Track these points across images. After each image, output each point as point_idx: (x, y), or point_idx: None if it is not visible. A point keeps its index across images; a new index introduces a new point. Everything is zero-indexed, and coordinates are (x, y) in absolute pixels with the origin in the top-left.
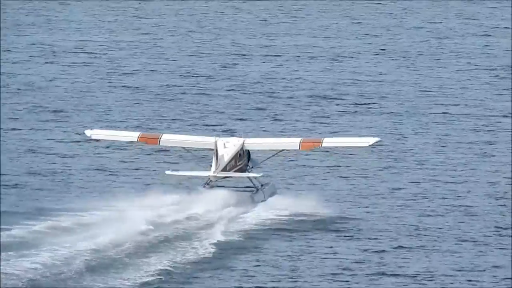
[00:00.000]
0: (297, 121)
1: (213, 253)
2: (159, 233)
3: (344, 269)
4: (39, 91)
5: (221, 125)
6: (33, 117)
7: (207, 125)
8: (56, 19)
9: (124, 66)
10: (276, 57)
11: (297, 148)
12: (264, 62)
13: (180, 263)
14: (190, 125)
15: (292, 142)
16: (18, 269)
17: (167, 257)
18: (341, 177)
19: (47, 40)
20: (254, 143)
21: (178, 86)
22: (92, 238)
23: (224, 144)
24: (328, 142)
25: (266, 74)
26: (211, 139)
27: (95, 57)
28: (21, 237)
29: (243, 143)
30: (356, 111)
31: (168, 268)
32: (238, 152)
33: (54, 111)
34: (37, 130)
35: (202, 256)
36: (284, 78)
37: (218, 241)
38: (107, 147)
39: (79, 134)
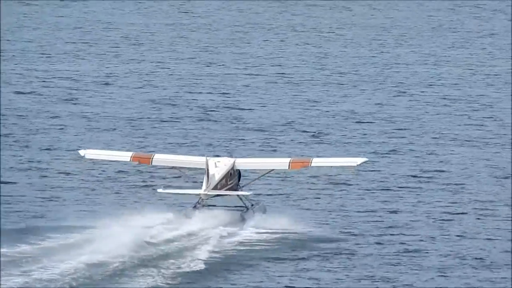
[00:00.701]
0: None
1: (202, 271)
2: (149, 251)
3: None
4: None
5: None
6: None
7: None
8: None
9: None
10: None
11: (287, 168)
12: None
13: (169, 279)
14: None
15: (281, 162)
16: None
17: (156, 273)
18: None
19: None
20: (244, 163)
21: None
22: (79, 255)
23: (215, 163)
24: (317, 162)
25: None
26: (202, 159)
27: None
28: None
29: (234, 162)
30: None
31: (159, 284)
32: (229, 171)
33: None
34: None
35: (190, 273)
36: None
37: (206, 258)
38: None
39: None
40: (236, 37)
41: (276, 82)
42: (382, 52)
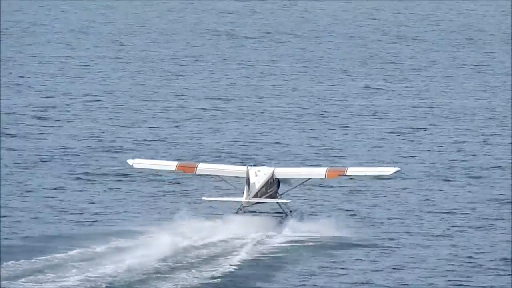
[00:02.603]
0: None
1: (240, 273)
2: (188, 254)
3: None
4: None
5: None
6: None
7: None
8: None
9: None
10: None
11: (323, 176)
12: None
13: (209, 281)
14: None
15: (318, 171)
16: None
17: (195, 275)
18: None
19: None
20: (283, 172)
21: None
22: (119, 262)
23: (255, 172)
24: (352, 171)
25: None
26: (244, 168)
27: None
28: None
29: (273, 172)
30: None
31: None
32: (268, 180)
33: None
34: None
35: (230, 275)
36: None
37: (245, 261)
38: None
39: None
40: (173, 69)
41: (204, 114)
42: (319, 84)
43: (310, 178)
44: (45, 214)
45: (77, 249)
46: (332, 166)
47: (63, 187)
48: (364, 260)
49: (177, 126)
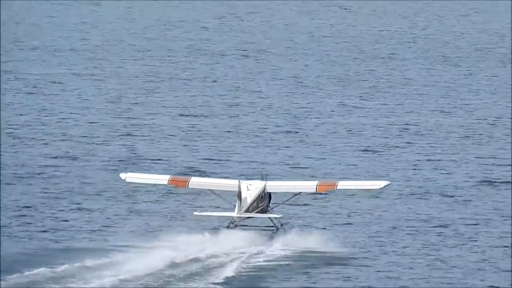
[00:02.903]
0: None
1: (232, 286)
2: (179, 270)
3: None
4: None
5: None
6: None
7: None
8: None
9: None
10: None
11: (314, 190)
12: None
13: None
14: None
15: (309, 185)
16: None
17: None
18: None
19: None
20: (274, 186)
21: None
22: (114, 276)
23: (247, 186)
24: (342, 185)
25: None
26: (235, 182)
27: None
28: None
29: (265, 185)
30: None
31: None
32: (260, 194)
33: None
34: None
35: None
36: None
37: (236, 275)
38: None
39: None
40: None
41: (179, 132)
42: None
43: (301, 192)
44: (18, 232)
45: (65, 265)
46: (323, 180)
47: (37, 204)
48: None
49: (152, 143)
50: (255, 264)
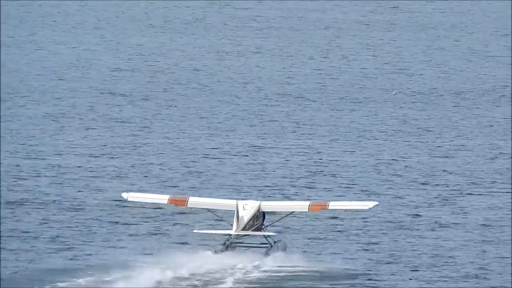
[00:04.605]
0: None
1: None
2: (175, 286)
3: None
4: None
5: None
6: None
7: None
8: None
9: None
10: None
11: (306, 210)
12: None
13: None
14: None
15: (301, 205)
16: None
17: None
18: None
19: None
20: (268, 206)
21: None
22: None
23: (243, 206)
24: (333, 205)
25: None
26: (233, 202)
27: None
28: None
29: (260, 205)
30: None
31: None
32: (255, 213)
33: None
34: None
35: None
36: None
37: None
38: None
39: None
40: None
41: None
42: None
43: (293, 211)
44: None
45: (64, 282)
46: (315, 200)
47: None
48: None
49: (124, 160)
50: (251, 279)
